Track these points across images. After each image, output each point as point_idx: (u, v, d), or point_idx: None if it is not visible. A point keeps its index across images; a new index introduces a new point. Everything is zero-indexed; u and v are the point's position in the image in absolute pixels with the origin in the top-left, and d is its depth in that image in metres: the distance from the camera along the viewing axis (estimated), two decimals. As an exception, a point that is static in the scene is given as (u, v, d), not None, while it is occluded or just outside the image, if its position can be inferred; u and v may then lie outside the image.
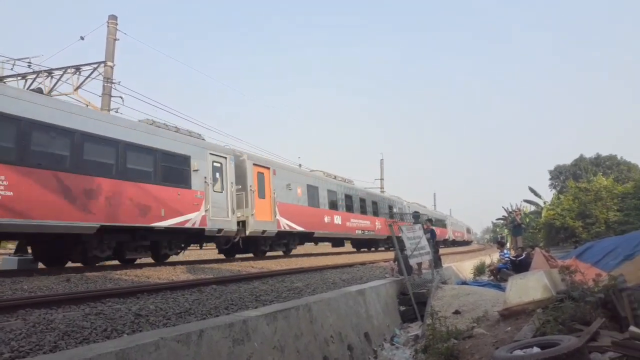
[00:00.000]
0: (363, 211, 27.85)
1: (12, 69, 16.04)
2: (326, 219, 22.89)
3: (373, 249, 31.89)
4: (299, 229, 19.84)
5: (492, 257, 22.00)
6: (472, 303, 9.54)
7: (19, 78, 16.35)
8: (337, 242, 27.91)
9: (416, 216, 14.59)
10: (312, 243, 26.27)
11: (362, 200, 28.09)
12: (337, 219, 24.02)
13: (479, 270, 18.73)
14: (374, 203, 30.29)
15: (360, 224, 26.96)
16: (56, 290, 7.70)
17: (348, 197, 26.04)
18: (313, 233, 21.31)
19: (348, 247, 32.44)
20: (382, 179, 46.99)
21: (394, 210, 33.19)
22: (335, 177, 25.79)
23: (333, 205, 23.98)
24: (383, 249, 32.12)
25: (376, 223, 29.29)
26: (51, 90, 16.32)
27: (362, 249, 31.35)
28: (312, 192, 21.76)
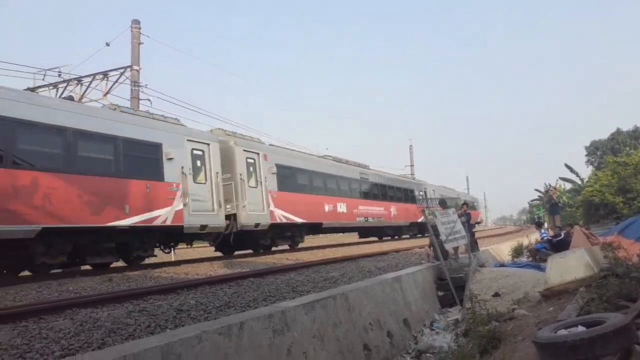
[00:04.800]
0: None
1: (43, 79, 16.50)
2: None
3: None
4: None
5: (530, 238, 21.57)
6: (511, 285, 9.38)
7: (51, 87, 16.81)
8: None
9: (443, 202, 14.34)
10: None
11: None
12: None
13: (517, 251, 18.38)
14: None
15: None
16: (100, 289, 7.95)
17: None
18: None
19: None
20: (412, 165, 46.63)
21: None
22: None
23: None
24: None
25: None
26: (82, 97, 16.74)
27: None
28: None
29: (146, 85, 17.42)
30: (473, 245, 14.19)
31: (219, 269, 11.30)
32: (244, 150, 16.17)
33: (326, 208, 20.51)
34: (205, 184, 14.05)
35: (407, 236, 30.83)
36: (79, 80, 17.23)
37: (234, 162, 15.62)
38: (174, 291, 7.46)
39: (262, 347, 4.94)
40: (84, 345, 4.36)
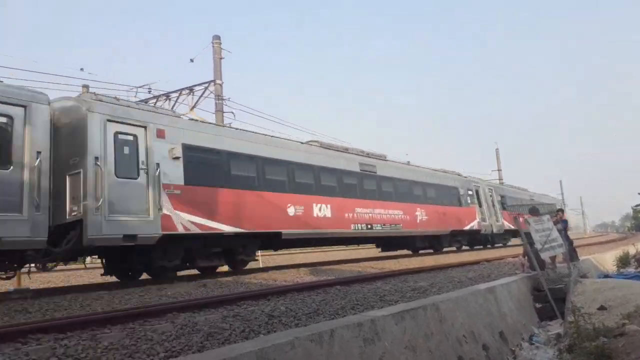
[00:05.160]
0: None
1: (135, 96, 17.68)
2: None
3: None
4: None
5: (637, 247, 19.79)
6: (619, 297, 8.64)
7: (142, 104, 18.03)
8: None
9: (534, 209, 13.45)
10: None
11: None
12: None
13: (623, 261, 16.96)
14: None
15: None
16: (195, 295, 8.33)
17: None
18: None
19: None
20: (499, 170, 44.70)
21: None
22: None
23: None
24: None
25: None
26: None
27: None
28: None
29: (229, 98, 18.19)
30: (572, 254, 13.25)
31: (305, 276, 11.46)
32: (110, 120, 10.29)
33: (290, 211, 14.08)
34: (7, 170, 8.74)
35: (454, 248, 24.07)
36: (167, 95, 18.35)
37: (85, 138, 9.82)
38: (265, 297, 7.64)
39: (353, 356, 4.89)
40: (184, 347, 4.56)
